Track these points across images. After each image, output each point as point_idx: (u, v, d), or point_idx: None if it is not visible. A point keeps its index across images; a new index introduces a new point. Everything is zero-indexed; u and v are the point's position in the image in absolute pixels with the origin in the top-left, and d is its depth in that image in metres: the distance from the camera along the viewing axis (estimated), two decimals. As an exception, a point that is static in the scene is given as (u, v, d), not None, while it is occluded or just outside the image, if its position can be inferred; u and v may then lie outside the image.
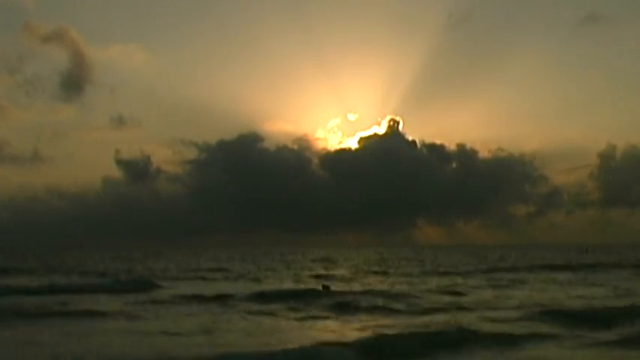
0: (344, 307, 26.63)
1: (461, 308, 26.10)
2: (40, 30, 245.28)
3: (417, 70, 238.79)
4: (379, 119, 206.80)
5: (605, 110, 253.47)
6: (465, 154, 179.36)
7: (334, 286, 36.70)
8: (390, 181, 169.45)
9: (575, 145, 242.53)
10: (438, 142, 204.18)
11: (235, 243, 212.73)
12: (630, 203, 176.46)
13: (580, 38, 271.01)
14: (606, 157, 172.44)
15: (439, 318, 23.01)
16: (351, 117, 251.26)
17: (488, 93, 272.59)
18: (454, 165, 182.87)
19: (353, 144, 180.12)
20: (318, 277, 48.81)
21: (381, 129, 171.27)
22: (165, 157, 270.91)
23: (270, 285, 40.37)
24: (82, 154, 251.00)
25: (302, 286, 38.23)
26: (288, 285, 40.74)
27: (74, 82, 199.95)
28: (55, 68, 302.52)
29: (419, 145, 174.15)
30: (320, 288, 35.22)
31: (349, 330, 20.48)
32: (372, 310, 25.99)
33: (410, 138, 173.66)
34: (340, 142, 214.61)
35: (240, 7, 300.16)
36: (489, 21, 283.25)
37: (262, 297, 30.98)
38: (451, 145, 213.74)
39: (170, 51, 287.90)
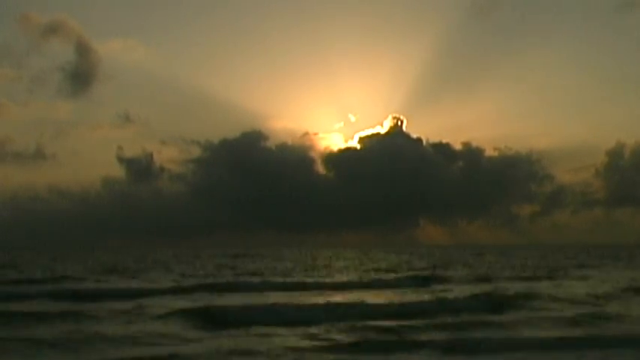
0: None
1: None
2: (39, 22, 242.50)
3: (423, 67, 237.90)
4: (383, 118, 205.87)
5: (618, 107, 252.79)
6: (470, 152, 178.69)
7: None
8: (394, 180, 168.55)
9: (584, 143, 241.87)
10: (443, 140, 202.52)
11: (237, 243, 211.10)
12: (637, 203, 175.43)
13: (613, 28, 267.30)
14: (614, 156, 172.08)
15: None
16: (355, 116, 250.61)
17: (497, 89, 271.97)
18: (460, 164, 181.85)
19: (357, 143, 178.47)
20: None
21: (385, 128, 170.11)
22: (168, 155, 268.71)
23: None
24: (83, 151, 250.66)
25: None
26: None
27: (74, 78, 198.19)
28: (55, 63, 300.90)
29: (424, 144, 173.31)
30: None
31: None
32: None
33: (414, 136, 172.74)
34: (345, 141, 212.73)
35: (242, 4, 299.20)
36: (516, 9, 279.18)
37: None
38: (457, 144, 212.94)
39: (172, 48, 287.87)
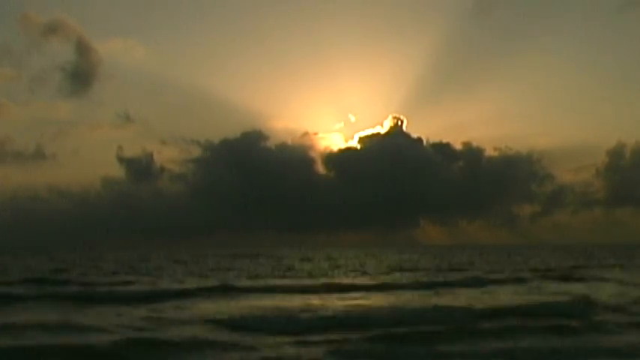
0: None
1: None
2: (39, 22, 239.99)
3: (423, 67, 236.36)
4: (383, 118, 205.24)
5: (618, 107, 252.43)
6: (470, 152, 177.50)
7: None
8: (394, 180, 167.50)
9: (585, 143, 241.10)
10: (443, 140, 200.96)
11: (237, 243, 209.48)
12: (638, 203, 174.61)
13: (614, 27, 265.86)
14: (615, 156, 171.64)
15: None
16: (355, 116, 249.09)
17: (497, 89, 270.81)
18: (460, 164, 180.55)
19: (357, 143, 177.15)
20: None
21: (385, 128, 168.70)
22: (168, 155, 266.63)
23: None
24: (83, 151, 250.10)
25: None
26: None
27: (74, 78, 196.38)
28: (55, 63, 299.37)
29: (424, 144, 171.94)
30: None
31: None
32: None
33: (414, 136, 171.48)
34: (345, 141, 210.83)
35: (242, 4, 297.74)
36: (517, 9, 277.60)
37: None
38: (457, 144, 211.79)
39: (172, 48, 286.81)
